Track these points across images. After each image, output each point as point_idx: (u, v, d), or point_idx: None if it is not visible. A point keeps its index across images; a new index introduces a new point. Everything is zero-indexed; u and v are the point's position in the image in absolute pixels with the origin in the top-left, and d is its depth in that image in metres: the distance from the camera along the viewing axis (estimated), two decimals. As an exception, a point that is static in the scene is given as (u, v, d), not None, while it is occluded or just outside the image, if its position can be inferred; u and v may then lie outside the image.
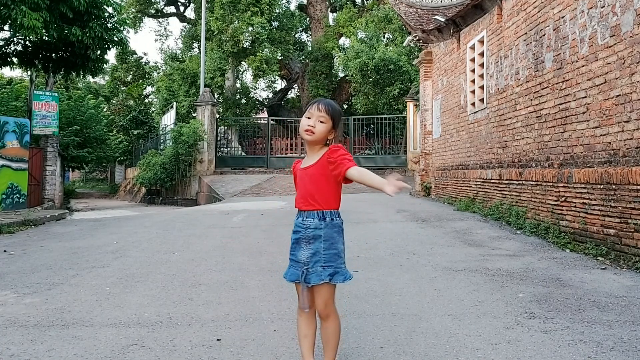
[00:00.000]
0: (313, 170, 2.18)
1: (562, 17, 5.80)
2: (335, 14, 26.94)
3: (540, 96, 6.34)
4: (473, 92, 8.98)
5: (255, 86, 28.34)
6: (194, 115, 21.78)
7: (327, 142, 2.22)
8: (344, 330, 2.82)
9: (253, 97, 26.65)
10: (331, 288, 2.18)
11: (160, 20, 32.40)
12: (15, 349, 2.75)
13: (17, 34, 11.76)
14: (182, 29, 29.64)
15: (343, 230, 2.24)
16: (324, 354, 2.24)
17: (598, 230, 4.96)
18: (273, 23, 22.77)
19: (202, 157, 18.62)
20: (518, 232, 6.34)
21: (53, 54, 13.01)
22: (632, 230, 4.43)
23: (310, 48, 26.05)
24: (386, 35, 21.29)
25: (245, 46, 20.86)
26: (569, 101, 5.60)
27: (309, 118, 2.19)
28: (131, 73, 34.37)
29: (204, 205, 14.80)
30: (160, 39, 42.75)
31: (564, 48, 5.76)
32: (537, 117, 6.42)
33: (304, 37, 29.68)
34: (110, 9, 12.24)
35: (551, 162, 6.00)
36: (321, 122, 2.16)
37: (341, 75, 25.21)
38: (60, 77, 17.29)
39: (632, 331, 2.87)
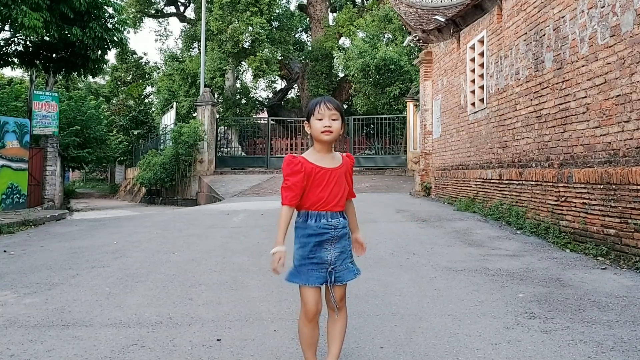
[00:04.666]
0: (340, 173, 2.25)
1: (562, 17, 5.80)
2: (335, 14, 26.94)
3: (540, 96, 6.34)
4: (473, 92, 8.98)
5: (255, 86, 28.36)
6: (194, 115, 21.78)
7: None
8: (344, 330, 2.83)
9: (253, 97, 26.64)
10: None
11: (160, 20, 32.44)
12: (15, 349, 2.75)
13: (18, 34, 11.78)
14: (182, 29, 29.66)
15: None
16: (329, 349, 2.25)
17: (598, 230, 4.96)
18: (273, 23, 22.77)
19: (202, 157, 18.62)
20: (518, 232, 6.34)
21: (53, 54, 13.03)
22: (632, 230, 4.43)
23: (310, 48, 26.05)
24: (386, 35, 21.27)
25: (245, 46, 20.86)
26: (569, 101, 5.60)
27: (320, 120, 2.19)
28: (131, 73, 34.38)
29: (204, 205, 14.80)
30: (160, 39, 42.88)
31: (564, 48, 5.76)
32: (537, 117, 6.42)
33: (304, 37, 29.71)
34: (110, 9, 12.25)
35: (551, 162, 6.00)
36: (334, 119, 2.20)
37: (341, 75, 25.21)
38: (60, 77, 17.29)
39: (632, 331, 2.87)
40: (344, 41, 25.78)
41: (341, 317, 2.25)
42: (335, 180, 2.22)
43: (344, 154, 2.32)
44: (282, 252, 2.15)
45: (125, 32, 12.83)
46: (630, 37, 4.53)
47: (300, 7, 27.60)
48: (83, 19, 11.42)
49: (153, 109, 31.14)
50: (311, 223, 2.20)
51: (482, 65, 8.60)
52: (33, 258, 5.46)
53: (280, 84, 30.30)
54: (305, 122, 2.27)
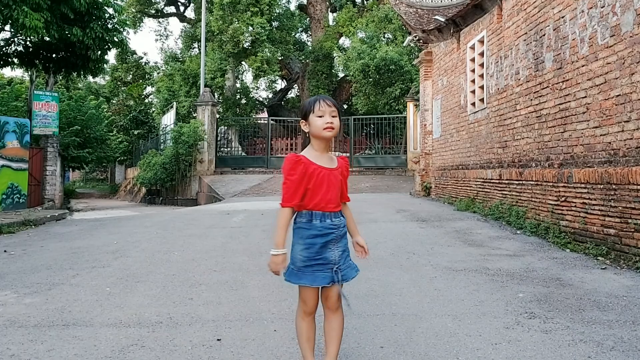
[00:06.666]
0: (338, 174, 2.26)
1: (562, 17, 5.80)
2: (335, 14, 26.95)
3: (540, 96, 6.34)
4: (473, 92, 8.98)
5: (255, 86, 28.38)
6: (194, 115, 21.78)
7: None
8: (344, 330, 2.82)
9: (253, 97, 26.66)
10: None
11: (160, 20, 32.44)
12: (15, 349, 2.75)
13: (18, 34, 11.78)
14: (182, 29, 29.66)
15: None
16: (327, 349, 2.23)
17: (598, 230, 4.96)
18: (273, 23, 22.76)
19: (202, 157, 18.62)
20: (518, 232, 6.34)
21: (54, 55, 13.03)
22: (632, 230, 4.43)
23: (310, 48, 26.06)
24: (386, 35, 21.27)
25: (245, 46, 20.86)
26: (569, 101, 5.60)
27: (320, 117, 2.20)
28: (131, 73, 34.38)
29: (204, 205, 14.80)
30: (160, 39, 42.79)
31: (564, 48, 5.76)
32: (537, 117, 6.42)
33: (304, 37, 29.70)
34: (110, 10, 12.26)
35: (551, 162, 6.01)
36: (334, 116, 2.23)
37: (341, 75, 25.22)
38: (60, 77, 17.27)
39: (632, 331, 2.87)
40: (344, 41, 25.78)
41: (338, 317, 2.26)
42: (334, 181, 2.25)
43: (339, 157, 2.34)
44: (285, 255, 2.16)
45: (125, 33, 12.85)
46: (630, 37, 4.53)
47: (300, 7, 27.60)
48: (83, 20, 11.43)
49: (153, 109, 31.15)
50: (316, 223, 2.18)
51: (482, 65, 8.60)
52: (33, 258, 5.47)
53: (280, 84, 30.33)
54: (302, 120, 2.26)
